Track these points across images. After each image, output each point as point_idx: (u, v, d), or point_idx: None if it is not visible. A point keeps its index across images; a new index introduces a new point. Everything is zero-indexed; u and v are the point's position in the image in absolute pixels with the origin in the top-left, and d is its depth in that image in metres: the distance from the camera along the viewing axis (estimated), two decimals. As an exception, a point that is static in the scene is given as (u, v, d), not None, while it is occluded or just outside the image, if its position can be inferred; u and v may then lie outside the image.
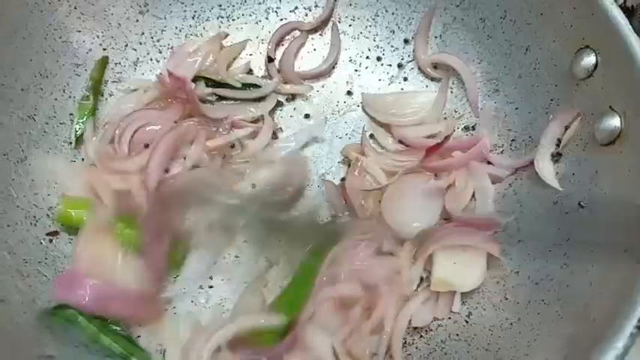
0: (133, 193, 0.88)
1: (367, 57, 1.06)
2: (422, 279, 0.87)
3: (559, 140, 0.84)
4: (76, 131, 0.93)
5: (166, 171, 0.93)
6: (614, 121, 0.75)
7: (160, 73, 0.97)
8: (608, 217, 0.72)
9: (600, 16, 0.76)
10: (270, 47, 1.05)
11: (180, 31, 1.03)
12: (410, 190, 0.90)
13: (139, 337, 0.82)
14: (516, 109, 0.92)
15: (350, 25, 1.07)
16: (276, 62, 1.04)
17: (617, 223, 0.70)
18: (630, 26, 0.74)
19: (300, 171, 0.98)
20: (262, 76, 1.04)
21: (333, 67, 1.05)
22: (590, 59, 0.79)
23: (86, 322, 0.77)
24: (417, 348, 0.81)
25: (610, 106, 0.75)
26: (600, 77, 0.78)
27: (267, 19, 1.07)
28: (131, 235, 0.83)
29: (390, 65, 1.05)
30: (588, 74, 0.79)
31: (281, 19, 1.07)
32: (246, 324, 0.80)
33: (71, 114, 0.93)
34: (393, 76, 1.05)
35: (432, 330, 0.82)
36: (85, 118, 0.94)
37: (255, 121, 1.00)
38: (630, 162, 0.71)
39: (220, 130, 0.97)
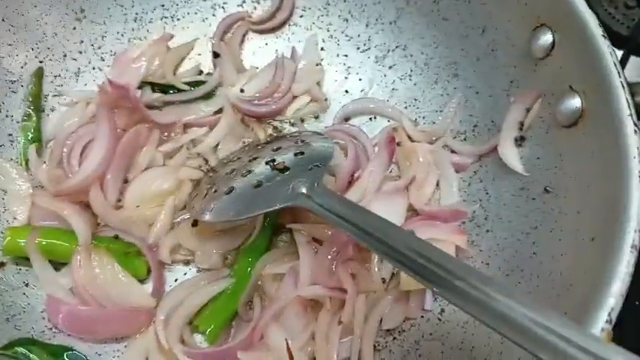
0: (95, 211, 0.85)
1: (322, 48, 1.02)
2: (393, 275, 0.83)
3: (521, 124, 0.81)
4: (24, 154, 0.88)
5: (126, 181, 0.89)
6: (575, 101, 0.72)
7: (102, 82, 0.92)
8: (574, 203, 0.69)
9: (554, -8, 0.73)
10: (214, 42, 1.00)
11: (122, 35, 0.98)
12: (372, 195, 0.86)
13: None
14: (477, 93, 0.89)
15: (301, 17, 1.03)
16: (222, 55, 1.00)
17: (583, 209, 0.67)
18: (585, 2, 0.71)
19: (288, 74, 0.97)
20: (208, 73, 1.00)
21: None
22: (547, 38, 0.76)
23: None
24: (390, 351, 0.78)
25: (570, 86, 0.73)
26: (559, 56, 0.75)
27: (214, 15, 1.03)
28: (117, 250, 0.81)
29: (347, 56, 1.01)
30: (546, 53, 0.77)
31: (229, 15, 1.02)
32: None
33: (10, 134, 0.87)
34: (350, 67, 1.01)
35: (405, 331, 0.79)
36: (29, 139, 0.88)
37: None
38: (593, 144, 0.68)
39: (173, 134, 0.93)
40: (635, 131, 0.63)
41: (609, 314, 0.54)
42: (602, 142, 0.67)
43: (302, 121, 0.98)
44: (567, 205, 0.71)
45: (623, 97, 0.65)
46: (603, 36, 0.69)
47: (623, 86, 0.65)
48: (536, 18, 0.77)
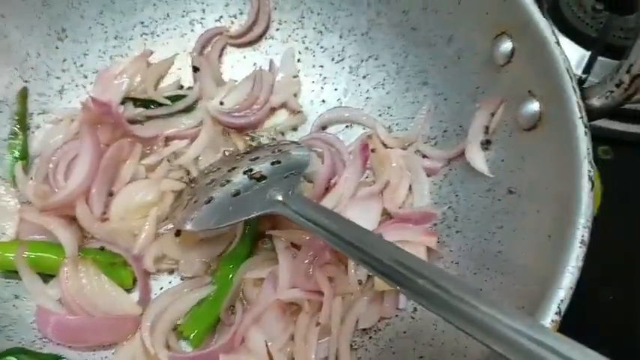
0: (81, 224, 0.88)
1: (299, 60, 1.06)
2: (369, 277, 0.87)
3: (487, 128, 0.85)
4: (10, 171, 0.91)
5: (111, 194, 0.92)
6: (534, 106, 0.76)
7: (86, 100, 0.95)
8: (534, 203, 0.73)
9: (511, 1, 0.77)
10: (194, 56, 1.04)
11: (104, 53, 1.01)
12: (347, 201, 0.90)
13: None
14: (445, 99, 0.92)
15: (277, 30, 1.06)
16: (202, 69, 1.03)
17: (542, 208, 0.71)
18: (539, 10, 0.75)
19: (266, 86, 1.01)
20: (189, 88, 1.03)
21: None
22: (507, 45, 0.80)
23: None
24: (366, 350, 0.81)
25: (529, 91, 0.76)
26: (518, 62, 0.79)
27: (192, 31, 1.06)
28: (103, 261, 0.84)
29: (322, 66, 1.05)
30: (507, 60, 0.80)
31: (207, 30, 1.05)
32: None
33: (-3, 153, 0.91)
34: (326, 78, 1.04)
35: (380, 330, 0.83)
36: (16, 157, 0.91)
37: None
38: (551, 146, 0.72)
39: (155, 148, 0.96)
40: (586, 133, 0.66)
41: (558, 306, 0.57)
42: (558, 144, 0.70)
43: (282, 134, 1.01)
44: (528, 205, 0.74)
45: (574, 101, 0.68)
46: (557, 43, 0.73)
47: (575, 90, 0.69)
48: (497, 26, 0.81)
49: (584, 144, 0.66)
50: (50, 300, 0.82)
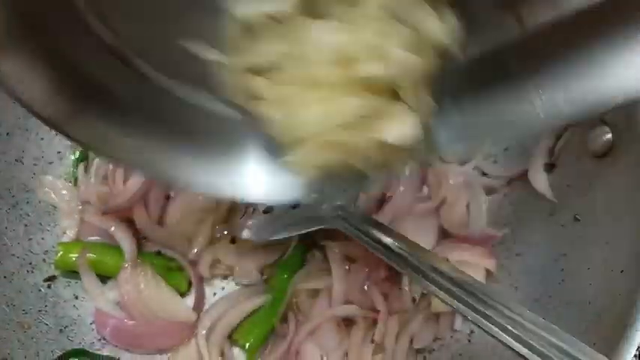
0: (138, 227, 0.89)
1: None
2: (423, 294, 0.86)
3: (552, 150, 0.83)
4: (73, 171, 0.92)
5: (167, 197, 0.93)
6: (605, 133, 0.74)
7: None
8: (603, 233, 0.71)
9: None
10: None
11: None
12: (402, 217, 0.89)
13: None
14: (508, 117, 0.91)
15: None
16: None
17: (612, 240, 0.69)
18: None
19: None
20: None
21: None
22: (578, 68, 0.78)
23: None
24: (421, 370, 0.81)
25: (601, 118, 0.74)
26: (591, 87, 0.77)
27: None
28: (160, 265, 0.85)
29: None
30: (578, 84, 0.78)
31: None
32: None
33: (59, 152, 0.92)
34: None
35: (434, 350, 0.82)
36: (77, 158, 0.93)
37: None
38: (624, 177, 0.70)
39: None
40: (663, 170, 0.65)
41: (638, 349, 0.56)
42: (632, 177, 0.69)
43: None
44: (596, 234, 0.73)
45: (651, 135, 0.66)
46: (634, 72, 0.71)
47: (652, 124, 0.67)
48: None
49: (661, 181, 0.64)
50: (108, 302, 0.84)
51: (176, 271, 0.88)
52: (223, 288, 0.91)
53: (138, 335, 0.83)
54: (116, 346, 0.83)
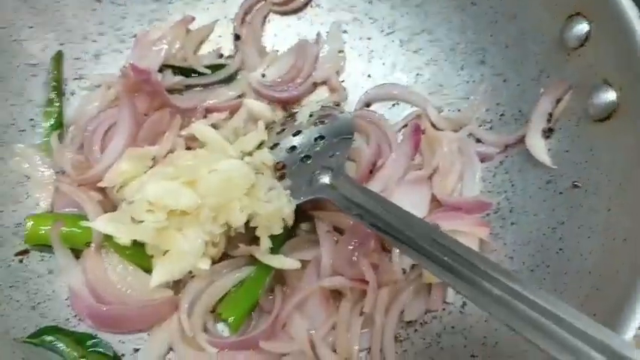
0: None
1: (345, 31, 1.00)
2: (413, 265, 0.83)
3: (550, 115, 0.80)
4: (46, 140, 0.87)
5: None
6: (609, 95, 0.70)
7: (124, 66, 0.91)
8: (604, 200, 0.68)
9: (590, -23, 0.71)
10: (236, 25, 0.98)
11: (142, 17, 0.96)
12: (394, 186, 0.85)
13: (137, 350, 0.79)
14: (504, 81, 0.87)
15: (325, -3, 1.00)
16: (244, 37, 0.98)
17: (614, 207, 0.66)
18: (625, -9, 0.69)
19: (310, 59, 0.95)
20: (229, 56, 0.98)
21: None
22: (581, 27, 0.74)
23: (65, 348, 0.73)
24: (412, 343, 0.78)
25: (604, 79, 0.70)
26: (593, 47, 0.73)
27: (234, -5, 1.00)
28: (131, 250, 0.79)
29: (370, 39, 0.99)
30: (580, 44, 0.75)
31: (250, -5, 1.00)
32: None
33: (31, 119, 0.87)
34: (373, 51, 0.99)
35: (426, 323, 0.79)
36: (52, 125, 0.87)
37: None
38: (627, 140, 0.67)
39: (194, 119, 0.92)
40: (674, 130, 0.61)
41: (640, 326, 0.53)
42: (637, 138, 0.65)
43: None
44: (597, 201, 0.69)
45: (661, 94, 0.63)
46: (644, 28, 0.66)
47: (662, 83, 0.63)
48: (571, 6, 0.75)
49: (670, 141, 0.61)
50: (81, 281, 0.79)
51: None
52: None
53: (114, 319, 0.78)
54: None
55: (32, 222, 0.79)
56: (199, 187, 0.74)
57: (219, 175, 0.75)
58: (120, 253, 0.80)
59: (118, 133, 0.84)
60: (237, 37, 0.98)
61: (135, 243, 0.75)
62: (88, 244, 0.80)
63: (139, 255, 0.79)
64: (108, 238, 0.79)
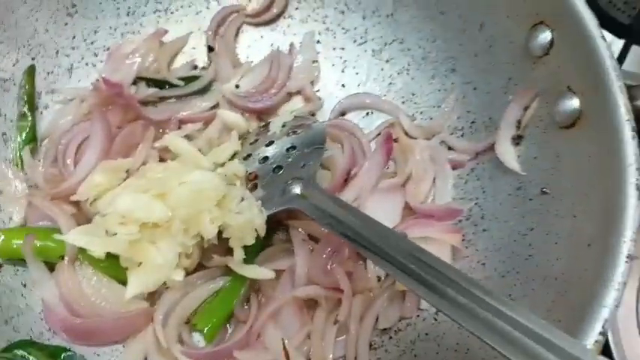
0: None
1: (318, 41, 1.01)
2: (387, 274, 0.83)
3: (519, 122, 0.81)
4: (19, 154, 0.87)
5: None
6: (573, 102, 0.71)
7: (97, 80, 0.91)
8: (570, 206, 0.69)
9: (550, -12, 0.72)
10: (209, 36, 0.99)
11: (115, 30, 0.96)
12: (368, 194, 0.86)
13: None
14: (474, 89, 0.88)
15: (297, 9, 1.01)
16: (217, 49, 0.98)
17: (579, 213, 0.67)
18: (584, 0, 0.70)
19: (284, 69, 0.96)
20: (203, 68, 0.98)
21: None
22: (545, 36, 0.75)
23: (37, 365, 0.73)
24: (386, 350, 0.79)
25: (568, 87, 0.72)
26: (556, 55, 0.74)
27: (207, 8, 1.01)
28: (106, 263, 0.78)
29: (343, 49, 1.00)
30: (544, 52, 0.76)
31: (223, 8, 1.00)
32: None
33: (4, 133, 0.86)
34: (346, 61, 0.99)
35: (400, 330, 0.80)
36: (24, 140, 0.87)
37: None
38: (591, 147, 0.68)
39: (167, 131, 0.92)
40: (633, 137, 0.62)
41: (603, 326, 0.54)
42: (599, 146, 0.67)
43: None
44: (563, 208, 0.70)
45: (621, 102, 0.64)
46: (603, 38, 0.68)
47: (621, 90, 0.65)
48: (534, 15, 0.76)
49: (630, 148, 0.62)
50: (55, 294, 0.79)
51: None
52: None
53: (89, 332, 0.78)
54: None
55: (3, 236, 0.79)
56: (170, 200, 0.74)
57: (190, 186, 0.75)
58: (94, 266, 0.79)
59: (91, 147, 0.84)
60: (210, 49, 0.99)
61: (109, 255, 0.75)
62: (61, 258, 0.79)
63: (113, 267, 0.78)
64: (82, 251, 0.78)
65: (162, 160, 0.88)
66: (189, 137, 0.91)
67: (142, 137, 0.90)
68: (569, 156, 0.72)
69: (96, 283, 0.80)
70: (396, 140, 0.91)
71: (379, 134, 0.93)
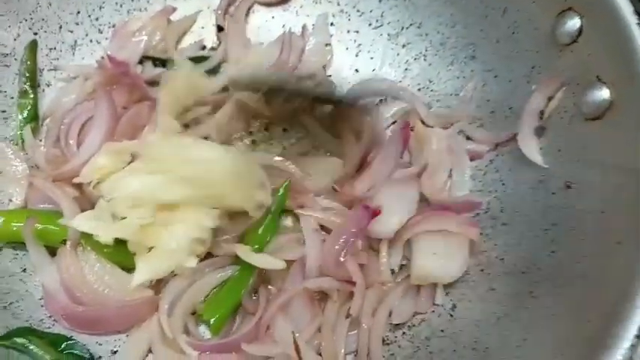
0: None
1: (332, 23, 0.97)
2: (402, 266, 0.81)
3: (542, 112, 0.78)
4: (20, 133, 0.83)
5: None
6: (602, 93, 0.68)
7: (102, 57, 0.87)
8: (598, 201, 0.66)
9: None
10: (218, 15, 0.95)
11: (121, 6, 0.93)
12: (382, 183, 0.82)
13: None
14: (495, 77, 0.85)
15: (311, -11, 0.97)
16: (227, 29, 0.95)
17: (607, 209, 0.64)
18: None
19: (296, 52, 0.93)
20: (212, 48, 0.95)
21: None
22: (573, 23, 0.72)
23: (38, 351, 0.70)
24: (399, 346, 0.76)
25: (597, 76, 0.69)
26: (586, 43, 0.71)
27: (218, -15, 0.97)
28: (110, 249, 0.75)
29: (358, 32, 0.96)
30: (572, 40, 0.72)
31: (233, -15, 0.96)
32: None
33: (4, 111, 0.83)
34: (361, 44, 0.96)
35: (414, 325, 0.77)
36: (25, 118, 0.83)
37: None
38: (621, 140, 0.65)
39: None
40: (669, 130, 0.59)
41: (639, 328, 0.52)
42: (631, 138, 0.63)
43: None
44: (590, 203, 0.67)
45: (657, 93, 0.61)
46: (638, 24, 0.65)
47: (657, 80, 0.62)
48: (562, 1, 0.72)
49: (666, 142, 0.59)
50: (55, 280, 0.76)
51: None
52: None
53: (91, 320, 0.76)
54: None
55: (4, 218, 0.76)
56: (188, 179, 0.71)
57: (205, 164, 0.72)
58: (97, 252, 0.77)
59: (95, 127, 0.81)
60: (220, 29, 0.95)
61: (114, 241, 0.73)
62: (63, 242, 0.76)
63: (118, 253, 0.76)
64: (85, 235, 0.76)
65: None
66: (197, 120, 0.88)
67: (148, 119, 0.86)
68: (597, 148, 0.69)
69: (99, 269, 0.77)
70: (412, 129, 0.87)
71: (394, 122, 0.90)
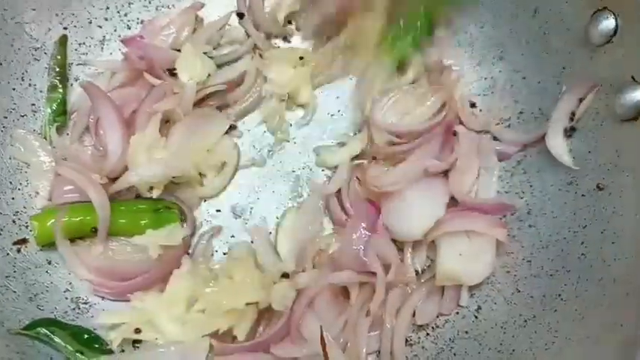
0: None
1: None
2: (425, 268, 0.80)
3: (573, 114, 0.76)
4: (47, 127, 0.84)
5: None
6: (638, 94, 0.67)
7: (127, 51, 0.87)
8: (631, 203, 0.65)
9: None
10: (239, 1, 0.94)
11: (149, 3, 0.93)
12: (412, 181, 0.80)
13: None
14: (524, 78, 0.84)
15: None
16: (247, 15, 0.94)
17: (642, 212, 0.63)
18: (656, -15, 0.66)
19: None
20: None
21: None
22: (608, 23, 0.71)
23: (60, 342, 0.70)
24: (423, 347, 0.75)
25: (632, 77, 0.67)
26: (620, 44, 0.70)
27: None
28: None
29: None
30: (606, 40, 0.71)
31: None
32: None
33: (33, 104, 0.84)
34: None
35: (438, 327, 0.76)
36: (54, 112, 0.84)
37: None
38: (657, 141, 0.63)
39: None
40: None
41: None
42: (667, 140, 0.62)
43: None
44: (623, 205, 0.66)
45: (695, 94, 0.59)
46: (676, 25, 0.63)
47: (696, 82, 0.60)
48: (597, 1, 0.71)
49: None
50: (87, 271, 0.77)
51: (165, 211, 0.80)
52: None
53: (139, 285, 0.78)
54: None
55: (37, 223, 0.76)
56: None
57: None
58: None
59: (110, 125, 0.81)
60: (240, 16, 0.94)
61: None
62: (93, 230, 0.77)
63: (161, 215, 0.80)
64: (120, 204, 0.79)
65: (167, 121, 0.85)
66: (220, 108, 0.88)
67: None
68: (631, 150, 0.67)
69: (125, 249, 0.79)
70: (454, 133, 0.85)
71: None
